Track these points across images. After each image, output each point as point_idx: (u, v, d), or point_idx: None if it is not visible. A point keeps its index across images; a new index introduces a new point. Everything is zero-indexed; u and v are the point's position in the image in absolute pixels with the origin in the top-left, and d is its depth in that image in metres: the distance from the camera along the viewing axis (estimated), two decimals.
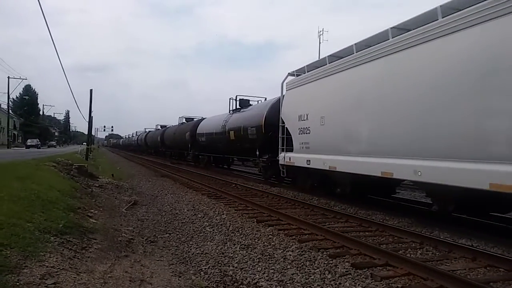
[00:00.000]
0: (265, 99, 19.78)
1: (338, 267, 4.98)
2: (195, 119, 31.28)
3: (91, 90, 29.33)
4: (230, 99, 21.35)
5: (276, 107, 14.68)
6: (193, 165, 27.43)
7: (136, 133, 69.97)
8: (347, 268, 4.93)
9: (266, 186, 14.39)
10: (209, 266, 5.22)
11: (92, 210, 8.17)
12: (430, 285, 4.30)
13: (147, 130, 57.31)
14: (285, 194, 11.97)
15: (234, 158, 23.90)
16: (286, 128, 12.82)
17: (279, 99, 14.25)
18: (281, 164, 13.13)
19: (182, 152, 32.38)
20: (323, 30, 39.28)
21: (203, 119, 27.83)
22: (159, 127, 46.61)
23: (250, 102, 20.49)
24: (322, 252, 5.64)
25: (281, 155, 13.04)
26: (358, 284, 4.40)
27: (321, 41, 38.27)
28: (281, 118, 13.18)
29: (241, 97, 20.80)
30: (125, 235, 6.75)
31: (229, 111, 21.35)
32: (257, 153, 16.17)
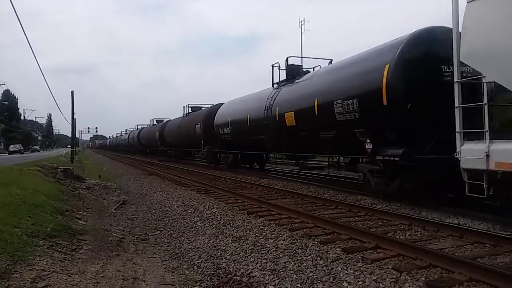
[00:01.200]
0: (328, 62, 12.88)
1: (330, 253, 5.03)
2: (204, 107, 24.91)
3: (72, 92, 28.95)
4: (273, 66, 14.55)
5: (420, 50, 7.84)
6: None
7: (126, 131, 62.31)
8: (338, 253, 4.99)
9: (255, 178, 14.41)
10: (202, 260, 5.23)
11: (80, 212, 8.08)
12: (420, 265, 4.38)
13: (139, 127, 50.00)
14: (274, 185, 12.01)
15: (307, 157, 15.40)
16: (493, 84, 6.04)
17: (413, 38, 8.03)
18: (472, 170, 6.01)
19: (189, 150, 27.01)
20: (304, 20, 38.94)
21: (221, 104, 20.73)
22: (154, 122, 39.39)
23: (304, 69, 13.89)
24: (313, 239, 5.69)
25: (474, 147, 6.02)
26: (350, 268, 4.46)
27: (302, 31, 38.07)
28: (458, 64, 6.30)
29: (293, 62, 14.16)
30: (115, 234, 6.71)
31: (273, 84, 14.76)
32: (368, 146, 8.78)
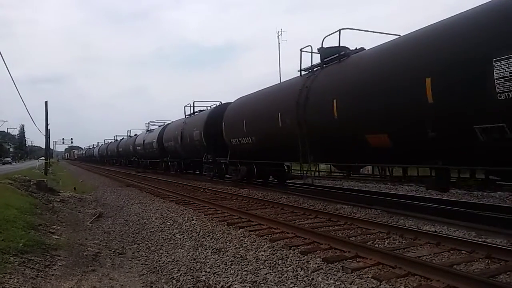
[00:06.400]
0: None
1: (310, 263, 5.02)
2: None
3: (46, 102, 28.28)
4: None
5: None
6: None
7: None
8: (318, 263, 4.98)
9: (235, 189, 14.35)
10: (181, 274, 5.12)
11: (54, 226, 7.83)
12: (399, 273, 4.42)
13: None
14: (254, 195, 11.98)
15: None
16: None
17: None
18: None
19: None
20: (281, 31, 39.58)
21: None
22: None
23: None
24: (294, 250, 5.67)
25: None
26: (330, 278, 4.46)
27: (280, 42, 38.65)
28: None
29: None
30: (91, 249, 6.51)
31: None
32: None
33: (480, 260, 4.86)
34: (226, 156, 16.19)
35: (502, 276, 4.26)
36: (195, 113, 21.14)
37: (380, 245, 5.76)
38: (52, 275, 4.83)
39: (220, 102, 19.48)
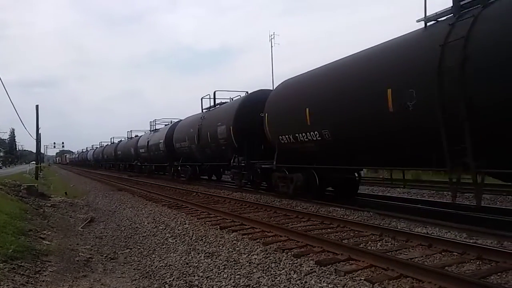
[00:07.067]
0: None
1: (303, 266, 5.02)
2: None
3: (37, 106, 28.08)
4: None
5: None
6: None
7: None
8: (311, 266, 4.99)
9: (228, 192, 14.32)
10: (173, 278, 5.09)
11: (45, 232, 7.75)
12: (391, 275, 4.44)
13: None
14: (247, 199, 11.96)
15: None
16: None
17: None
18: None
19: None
20: (274, 34, 39.50)
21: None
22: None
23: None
24: (287, 253, 5.67)
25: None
26: (323, 281, 4.46)
27: (273, 45, 38.58)
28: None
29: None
30: (82, 254, 6.45)
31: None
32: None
33: (471, 261, 4.90)
34: (263, 158, 12.74)
35: (493, 277, 4.31)
36: (216, 106, 17.18)
37: (372, 248, 5.78)
38: (43, 281, 4.78)
39: (247, 92, 15.65)
